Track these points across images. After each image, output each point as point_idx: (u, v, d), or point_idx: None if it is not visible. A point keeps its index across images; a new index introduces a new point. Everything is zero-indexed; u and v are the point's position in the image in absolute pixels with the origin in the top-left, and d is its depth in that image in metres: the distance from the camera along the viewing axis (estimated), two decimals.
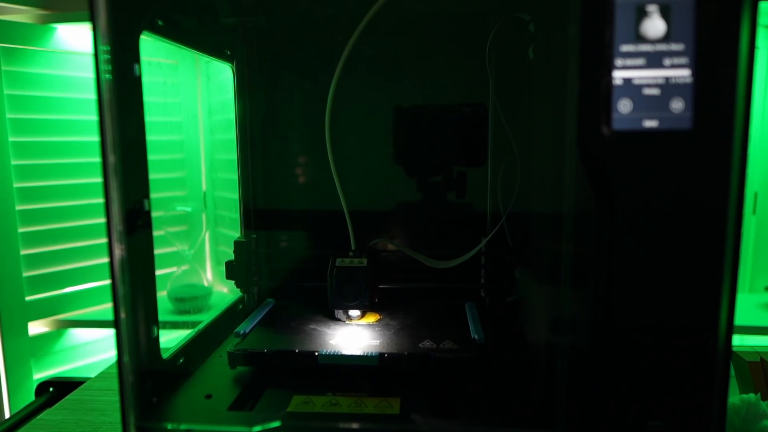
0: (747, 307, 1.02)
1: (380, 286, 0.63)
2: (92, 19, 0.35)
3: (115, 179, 0.36)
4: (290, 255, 0.70)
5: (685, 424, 0.34)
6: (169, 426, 0.41)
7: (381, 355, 0.47)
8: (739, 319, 0.94)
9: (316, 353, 0.48)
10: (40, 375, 0.94)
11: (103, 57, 0.36)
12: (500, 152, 0.63)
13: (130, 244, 0.39)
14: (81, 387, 0.60)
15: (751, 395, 0.45)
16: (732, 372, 0.51)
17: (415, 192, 0.67)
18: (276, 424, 0.40)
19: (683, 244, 0.33)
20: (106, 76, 0.36)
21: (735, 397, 0.46)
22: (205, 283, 1.01)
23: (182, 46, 0.54)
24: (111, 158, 0.36)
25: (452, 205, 0.66)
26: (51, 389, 0.64)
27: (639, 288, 0.34)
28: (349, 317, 0.58)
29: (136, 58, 0.41)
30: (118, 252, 0.37)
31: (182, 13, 0.50)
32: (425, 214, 0.68)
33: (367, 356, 0.47)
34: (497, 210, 0.64)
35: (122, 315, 0.39)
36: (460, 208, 0.67)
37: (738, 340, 0.98)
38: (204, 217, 1.05)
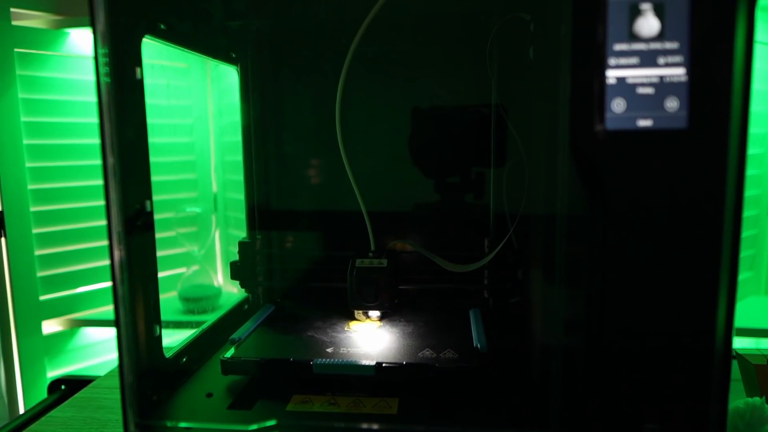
0: (764, 310, 1.00)
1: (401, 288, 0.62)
2: (92, 23, 0.36)
3: (114, 180, 0.37)
4: (295, 256, 0.70)
5: (682, 427, 0.34)
6: (168, 424, 0.41)
7: (378, 365, 0.46)
8: (755, 322, 0.93)
9: (311, 362, 0.47)
10: (53, 373, 0.96)
11: (103, 60, 0.36)
12: (504, 153, 0.63)
13: (130, 245, 0.40)
14: (90, 385, 0.61)
15: (756, 399, 0.44)
16: (738, 375, 0.51)
17: (421, 193, 0.67)
18: (272, 422, 0.40)
19: (679, 246, 0.32)
20: (105, 79, 0.36)
21: (740, 400, 0.45)
22: (215, 284, 1.02)
23: (186, 50, 0.55)
24: (110, 160, 0.37)
25: (456, 206, 0.66)
26: (63, 387, 0.65)
27: (634, 289, 0.33)
28: (369, 318, 0.58)
29: (138, 62, 0.42)
30: (117, 253, 0.38)
31: (184, 17, 0.50)
32: (430, 215, 0.67)
33: (363, 366, 0.46)
34: (501, 210, 0.64)
35: (122, 315, 0.39)
36: (463, 209, 0.66)
37: (753, 343, 0.96)
38: (214, 218, 1.06)
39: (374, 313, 0.57)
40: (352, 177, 0.58)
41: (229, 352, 0.50)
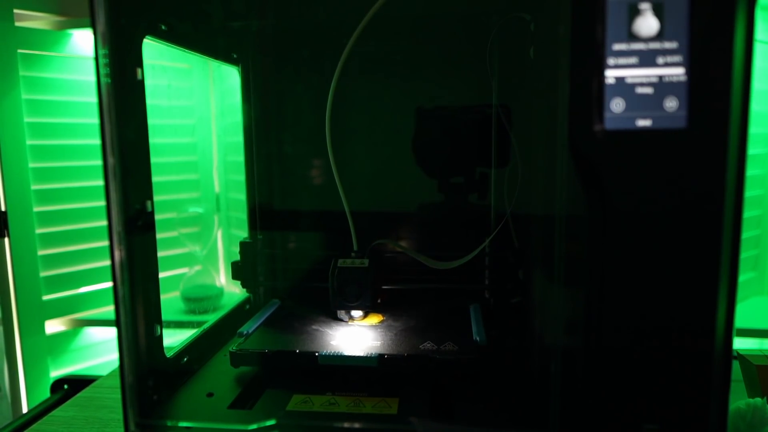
0: (766, 310, 0.99)
1: (384, 287, 0.63)
2: (92, 24, 0.36)
3: (114, 181, 0.37)
4: (296, 256, 0.70)
5: (682, 427, 0.34)
6: (169, 423, 0.41)
7: (381, 356, 0.48)
8: (758, 323, 0.92)
9: (316, 354, 0.48)
10: (56, 372, 0.96)
11: (103, 61, 0.37)
12: (508, 153, 0.63)
13: (131, 245, 0.40)
14: (92, 385, 0.61)
15: (758, 399, 0.44)
16: (740, 375, 0.50)
17: (423, 193, 0.67)
18: (272, 422, 0.40)
19: (678, 246, 0.32)
20: (106, 80, 0.37)
21: (741, 401, 0.45)
22: (217, 284, 1.02)
23: (188, 51, 0.55)
24: (111, 160, 0.37)
25: (457, 206, 0.66)
26: (65, 387, 0.65)
27: (633, 289, 0.33)
28: (351, 318, 0.58)
29: (139, 62, 0.42)
30: (118, 253, 0.38)
31: (185, 18, 0.50)
32: (432, 216, 0.67)
33: (366, 357, 0.48)
34: (502, 211, 0.64)
35: (123, 315, 0.39)
36: (464, 209, 0.66)
37: (756, 344, 0.96)
38: (216, 218, 1.06)
39: (357, 313, 0.58)
40: (337, 175, 0.58)
41: (238, 345, 0.51)
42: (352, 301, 0.57)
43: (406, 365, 0.48)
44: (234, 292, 1.08)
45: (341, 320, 0.58)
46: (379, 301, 0.59)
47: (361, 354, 0.48)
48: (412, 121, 0.65)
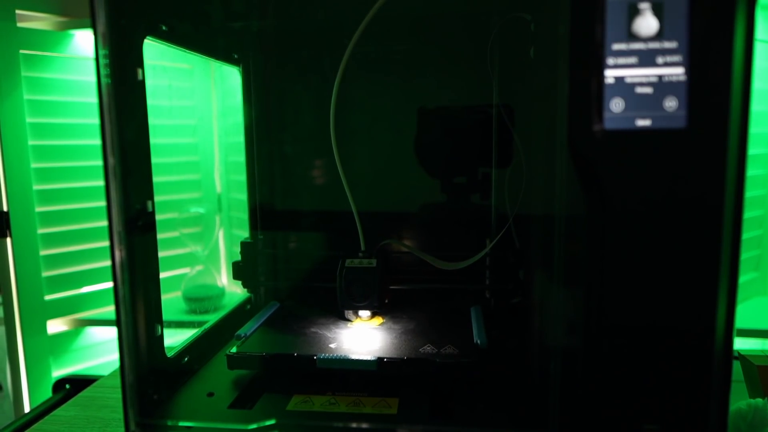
0: None
1: (391, 287, 0.63)
2: (93, 24, 0.36)
3: (115, 181, 0.37)
4: (297, 256, 0.70)
5: (682, 427, 0.34)
6: (169, 423, 0.41)
7: (380, 359, 0.47)
8: (760, 323, 0.92)
9: (315, 357, 0.48)
10: (58, 372, 0.96)
11: (104, 61, 0.37)
12: (510, 153, 0.63)
13: (131, 245, 0.40)
14: (94, 384, 0.61)
15: (759, 400, 0.44)
16: (741, 376, 0.50)
17: (426, 193, 0.67)
18: (272, 422, 0.40)
19: (678, 245, 0.32)
20: (106, 80, 0.37)
21: (742, 401, 0.45)
22: (219, 284, 1.02)
23: (188, 51, 0.55)
24: (111, 160, 0.37)
25: (458, 206, 0.66)
26: (67, 386, 0.65)
27: (633, 289, 0.33)
28: (359, 317, 0.58)
29: (139, 63, 0.42)
30: (118, 253, 0.38)
31: (185, 19, 0.51)
32: (435, 216, 0.67)
33: (365, 361, 0.47)
34: (504, 211, 0.64)
35: (123, 315, 0.39)
36: (465, 209, 0.66)
37: (758, 345, 0.96)
38: (218, 218, 1.06)
39: (364, 313, 0.58)
40: (343, 175, 0.58)
41: (235, 347, 0.50)
42: (360, 301, 0.57)
43: (405, 369, 0.47)
44: (235, 292, 1.08)
45: (347, 320, 0.58)
46: (386, 300, 0.59)
47: (360, 357, 0.48)
48: (413, 122, 0.65)
